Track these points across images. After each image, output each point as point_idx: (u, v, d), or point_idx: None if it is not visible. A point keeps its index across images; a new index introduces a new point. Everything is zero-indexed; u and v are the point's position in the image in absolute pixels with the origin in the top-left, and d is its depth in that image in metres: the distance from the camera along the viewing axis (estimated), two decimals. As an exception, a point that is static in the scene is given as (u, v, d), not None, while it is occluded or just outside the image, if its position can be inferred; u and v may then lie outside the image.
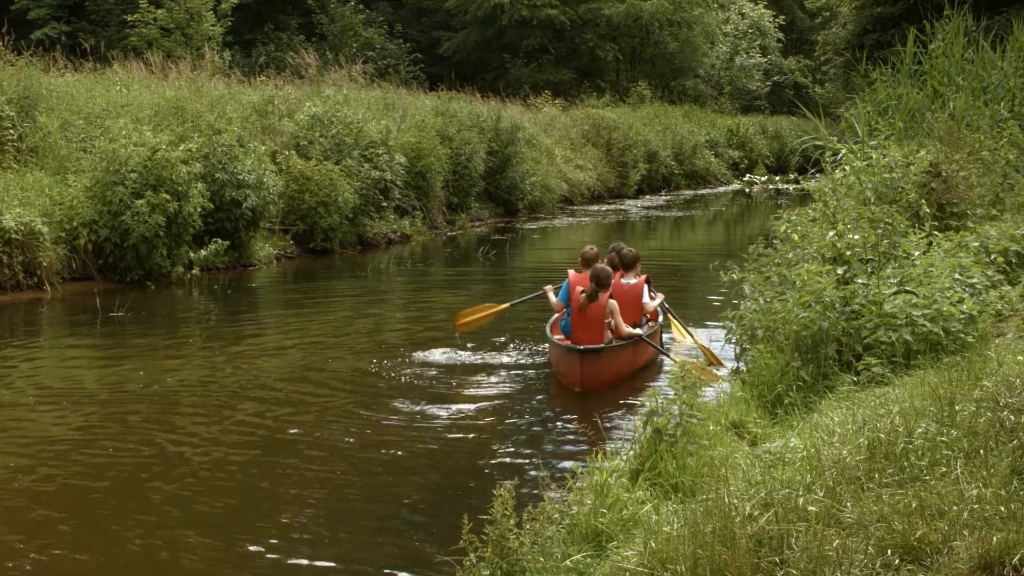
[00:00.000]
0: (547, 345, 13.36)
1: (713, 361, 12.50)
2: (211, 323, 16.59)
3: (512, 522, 6.03)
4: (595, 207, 38.83)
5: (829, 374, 8.56)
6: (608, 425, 10.40)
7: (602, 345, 12.24)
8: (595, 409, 11.04)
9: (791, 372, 8.83)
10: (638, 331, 12.73)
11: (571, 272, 13.15)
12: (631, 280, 13.51)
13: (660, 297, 13.85)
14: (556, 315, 13.41)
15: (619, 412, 10.97)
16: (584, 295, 12.40)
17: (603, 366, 12.14)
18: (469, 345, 14.20)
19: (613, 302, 12.45)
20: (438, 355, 13.65)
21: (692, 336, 13.60)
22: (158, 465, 9.55)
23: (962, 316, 8.43)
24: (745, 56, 68.30)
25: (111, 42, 37.72)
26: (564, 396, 11.79)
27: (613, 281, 12.75)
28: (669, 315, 14.30)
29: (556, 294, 13.27)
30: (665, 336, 14.27)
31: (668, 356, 12.69)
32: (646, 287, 13.50)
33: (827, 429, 6.70)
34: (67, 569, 7.45)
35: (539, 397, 11.64)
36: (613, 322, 12.47)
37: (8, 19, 27.06)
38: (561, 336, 12.91)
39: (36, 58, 23.64)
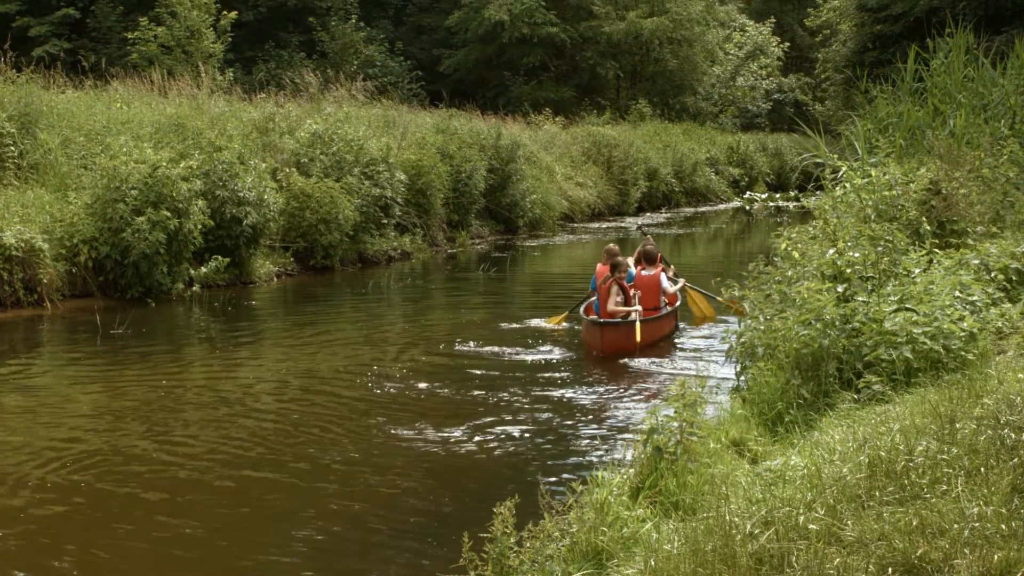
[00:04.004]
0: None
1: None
2: (211, 340, 16.59)
3: (512, 540, 6.02)
4: (595, 224, 38.85)
5: (829, 392, 8.54)
6: (610, 442, 10.39)
7: (619, 320, 14.88)
8: (601, 422, 11.05)
9: (791, 390, 8.81)
10: (628, 309, 15.16)
11: (599, 265, 16.05)
12: (650, 271, 16.04)
13: (681, 282, 16.79)
14: (589, 299, 16.17)
15: (625, 417, 10.97)
16: (603, 280, 15.38)
17: (619, 337, 14.62)
18: (468, 362, 14.22)
19: (613, 287, 15.18)
20: (438, 371, 13.66)
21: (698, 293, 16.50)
22: (157, 482, 9.54)
23: (962, 334, 8.41)
24: (750, 77, 68.40)
25: (112, 59, 37.82)
26: (566, 411, 11.76)
27: (636, 273, 15.90)
28: (689, 290, 16.88)
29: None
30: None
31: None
32: (663, 276, 16.08)
33: (828, 447, 6.68)
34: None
35: (540, 415, 11.61)
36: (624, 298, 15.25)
37: (9, 36, 27.10)
38: (595, 316, 15.45)
39: (37, 75, 23.69)
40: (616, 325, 14.85)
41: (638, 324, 14.67)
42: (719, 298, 14.97)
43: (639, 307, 15.19)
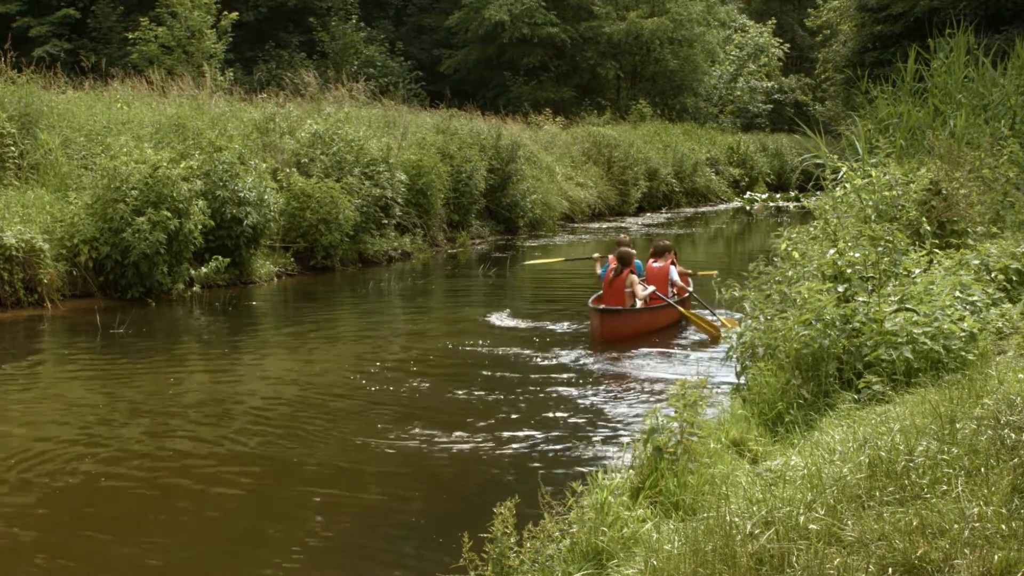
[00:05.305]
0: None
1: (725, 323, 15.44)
2: (211, 341, 16.58)
3: (512, 540, 6.01)
4: (596, 225, 38.83)
5: (830, 392, 8.55)
6: (610, 442, 10.39)
7: (618, 308, 15.94)
8: (601, 422, 11.05)
9: (792, 390, 8.81)
10: (651, 288, 16.53)
11: (611, 257, 16.92)
12: (660, 263, 17.21)
13: (690, 288, 17.65)
14: (599, 292, 16.88)
15: (625, 417, 10.97)
16: (612, 271, 16.35)
17: (619, 324, 15.70)
18: (468, 362, 14.24)
19: (632, 276, 16.20)
20: (438, 372, 13.66)
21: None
22: (156, 484, 9.55)
23: (963, 334, 8.41)
24: (751, 79, 68.42)
25: (112, 59, 37.83)
26: (565, 411, 11.75)
27: (646, 266, 17.20)
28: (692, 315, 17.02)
29: (600, 264, 17.61)
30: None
31: (689, 317, 16.40)
32: (673, 268, 17.21)
33: (828, 447, 6.68)
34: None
35: (540, 415, 11.61)
36: (632, 291, 16.11)
37: (10, 36, 27.10)
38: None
39: (37, 75, 23.69)
40: (615, 313, 15.81)
41: (679, 308, 16.48)
42: (720, 320, 15.88)
43: (651, 287, 16.64)
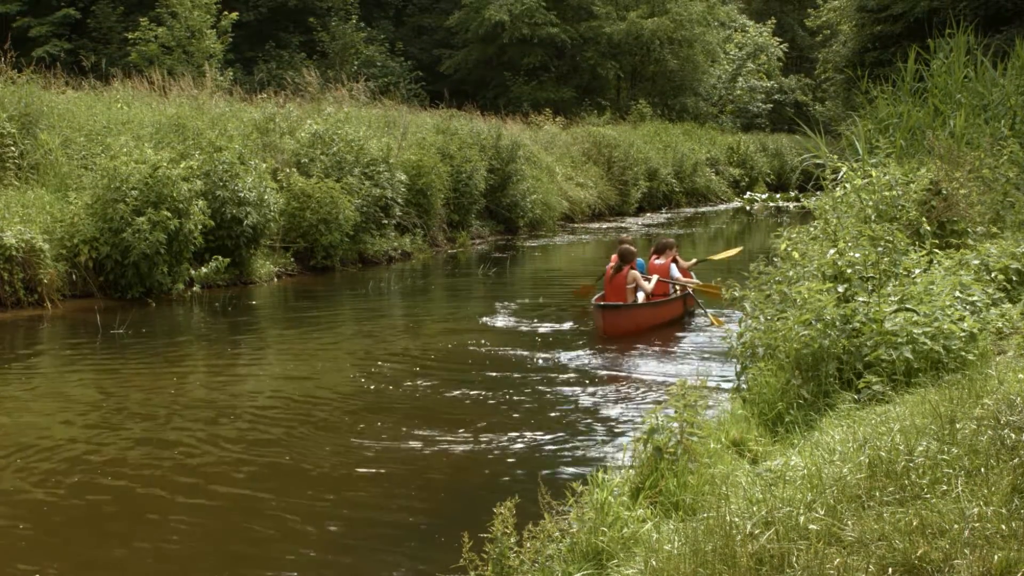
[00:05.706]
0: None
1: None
2: (211, 341, 16.57)
3: (512, 540, 6.01)
4: (596, 225, 38.83)
5: (830, 392, 8.54)
6: (610, 442, 10.39)
7: (619, 303, 16.28)
8: (601, 422, 11.05)
9: (792, 390, 8.80)
10: (655, 278, 17.31)
11: (613, 256, 17.15)
12: (661, 260, 17.92)
13: (693, 280, 18.25)
14: (601, 292, 17.26)
15: (625, 417, 10.97)
16: (612, 268, 16.73)
17: (621, 319, 16.09)
18: (468, 362, 14.24)
19: (634, 272, 16.54)
20: (438, 372, 13.66)
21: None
22: (156, 483, 9.54)
23: (963, 334, 8.41)
24: (751, 79, 68.43)
25: (112, 60, 37.90)
26: (566, 411, 11.75)
27: (648, 263, 17.92)
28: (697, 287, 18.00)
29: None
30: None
31: (701, 306, 17.38)
32: (674, 266, 17.84)
33: (828, 447, 6.68)
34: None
35: (540, 415, 11.60)
36: (637, 286, 16.48)
37: (10, 36, 27.10)
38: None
39: (37, 75, 23.71)
40: (616, 308, 16.18)
41: (684, 285, 17.58)
42: (711, 318, 16.61)
43: (655, 277, 17.35)
